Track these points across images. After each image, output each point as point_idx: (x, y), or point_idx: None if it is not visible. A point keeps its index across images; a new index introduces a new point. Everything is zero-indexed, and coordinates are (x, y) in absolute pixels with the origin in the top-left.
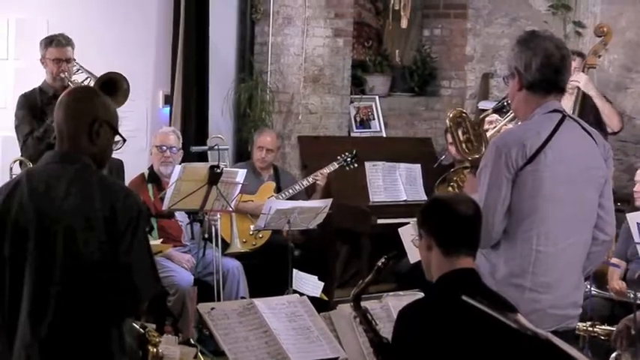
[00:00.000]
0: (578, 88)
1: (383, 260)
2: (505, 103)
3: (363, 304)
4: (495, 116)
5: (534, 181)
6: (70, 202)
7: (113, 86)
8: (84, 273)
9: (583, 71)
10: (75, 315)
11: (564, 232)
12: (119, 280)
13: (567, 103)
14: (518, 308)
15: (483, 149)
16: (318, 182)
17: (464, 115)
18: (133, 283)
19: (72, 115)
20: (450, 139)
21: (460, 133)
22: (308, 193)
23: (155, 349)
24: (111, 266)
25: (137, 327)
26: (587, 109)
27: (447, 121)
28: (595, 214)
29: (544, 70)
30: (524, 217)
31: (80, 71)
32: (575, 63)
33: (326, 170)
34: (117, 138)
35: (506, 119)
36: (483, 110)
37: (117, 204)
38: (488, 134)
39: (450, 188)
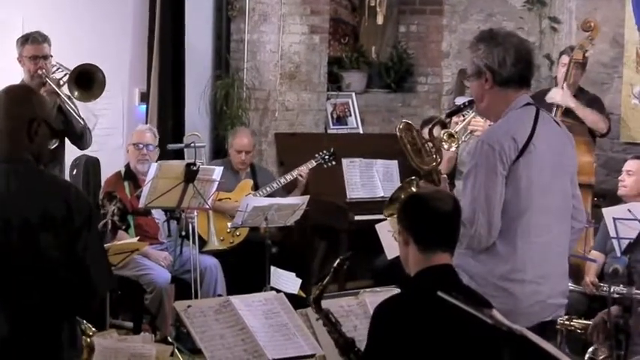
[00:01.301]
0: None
1: (338, 261)
2: (462, 106)
3: (337, 300)
4: None
5: (528, 174)
6: (24, 201)
7: (89, 78)
8: (41, 270)
9: (569, 67)
10: (31, 312)
11: (553, 222)
12: (76, 276)
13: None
14: (519, 302)
15: (438, 158)
16: (300, 179)
17: (411, 126)
18: (90, 280)
19: (11, 115)
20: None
21: (409, 146)
22: (287, 190)
23: (88, 340)
24: (67, 263)
25: None
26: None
27: (398, 133)
28: (571, 203)
29: (519, 65)
30: (521, 211)
31: (60, 69)
32: (568, 60)
33: (304, 168)
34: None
35: (473, 112)
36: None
37: (71, 202)
38: (457, 127)
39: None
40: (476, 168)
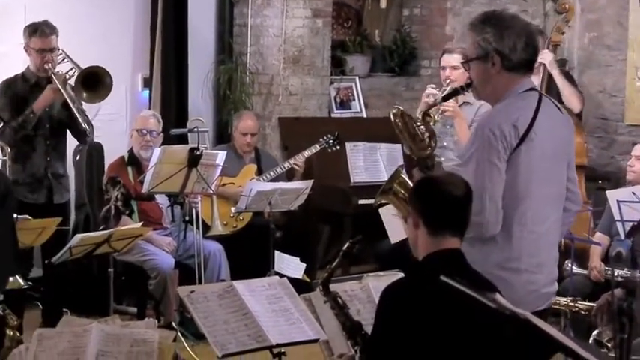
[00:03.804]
0: (544, 67)
1: (348, 244)
2: (460, 88)
3: (341, 285)
4: (432, 90)
5: (528, 162)
6: None
7: (96, 80)
8: None
9: (548, 49)
10: None
11: (549, 210)
12: None
13: (534, 81)
14: (514, 291)
15: (433, 143)
16: (297, 168)
17: (404, 112)
18: None
19: None
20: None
21: (405, 132)
22: (288, 176)
23: (12, 332)
24: None
25: None
26: (552, 89)
27: (392, 119)
28: (565, 190)
29: (529, 50)
30: (520, 199)
31: (66, 60)
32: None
33: (307, 153)
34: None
35: (445, 92)
36: None
37: None
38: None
39: (393, 197)
40: (477, 153)
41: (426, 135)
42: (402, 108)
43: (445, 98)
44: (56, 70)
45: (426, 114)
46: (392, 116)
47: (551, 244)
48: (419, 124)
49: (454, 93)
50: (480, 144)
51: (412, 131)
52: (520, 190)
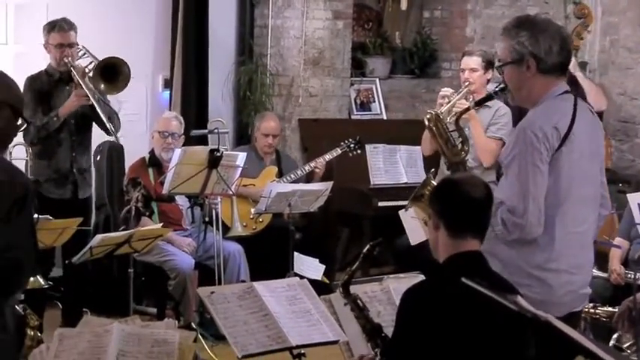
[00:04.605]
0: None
1: (368, 247)
2: (493, 93)
3: (362, 286)
4: (449, 90)
5: (570, 163)
6: None
7: (114, 71)
8: None
9: None
10: None
11: (587, 211)
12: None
13: None
14: (553, 292)
15: (466, 147)
16: (317, 171)
17: (438, 116)
18: (15, 260)
19: None
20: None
21: (438, 137)
22: (307, 178)
23: (33, 332)
24: None
25: (18, 309)
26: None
27: (426, 123)
28: (600, 191)
29: (564, 53)
30: (560, 201)
31: (86, 55)
32: None
33: (328, 156)
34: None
35: (461, 94)
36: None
37: (5, 181)
38: (442, 109)
39: (424, 203)
40: (520, 156)
41: (459, 140)
42: (434, 112)
43: (478, 103)
44: (75, 64)
45: (458, 119)
46: (426, 121)
47: (589, 245)
48: (452, 129)
49: (488, 98)
50: (522, 146)
51: (445, 136)
52: (562, 191)
